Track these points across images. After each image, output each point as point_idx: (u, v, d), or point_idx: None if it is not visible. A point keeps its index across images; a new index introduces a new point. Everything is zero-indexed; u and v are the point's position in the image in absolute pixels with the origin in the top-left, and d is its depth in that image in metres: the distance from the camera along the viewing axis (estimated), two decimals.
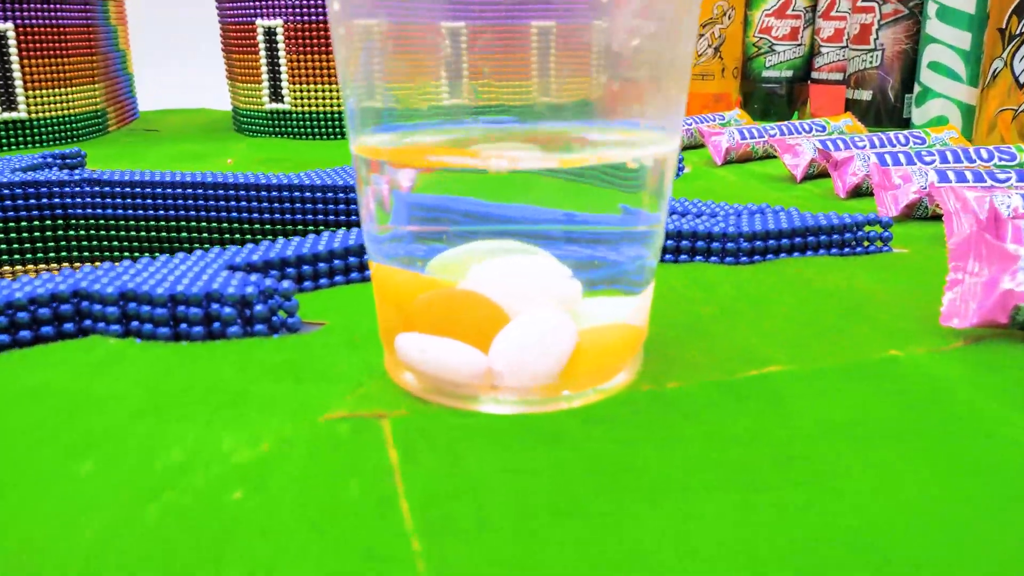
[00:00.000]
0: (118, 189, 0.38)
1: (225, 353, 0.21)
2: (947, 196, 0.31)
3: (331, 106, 0.59)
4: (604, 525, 0.14)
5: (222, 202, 0.38)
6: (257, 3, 0.57)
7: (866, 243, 0.30)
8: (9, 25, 0.55)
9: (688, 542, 0.13)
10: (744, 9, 0.69)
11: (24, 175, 0.39)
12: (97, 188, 0.38)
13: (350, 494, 0.15)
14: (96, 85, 0.62)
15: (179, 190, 0.38)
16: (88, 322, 0.22)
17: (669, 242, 0.29)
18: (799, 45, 0.68)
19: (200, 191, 0.38)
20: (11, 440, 0.16)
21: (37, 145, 0.57)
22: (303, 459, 0.16)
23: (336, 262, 0.26)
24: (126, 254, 0.39)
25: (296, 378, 0.19)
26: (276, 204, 0.37)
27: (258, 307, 0.22)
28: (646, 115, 0.18)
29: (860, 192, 0.40)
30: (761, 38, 0.68)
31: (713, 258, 0.29)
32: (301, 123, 0.59)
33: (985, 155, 0.42)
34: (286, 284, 0.22)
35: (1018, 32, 0.49)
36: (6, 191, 0.38)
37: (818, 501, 0.14)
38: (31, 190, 0.38)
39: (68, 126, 0.59)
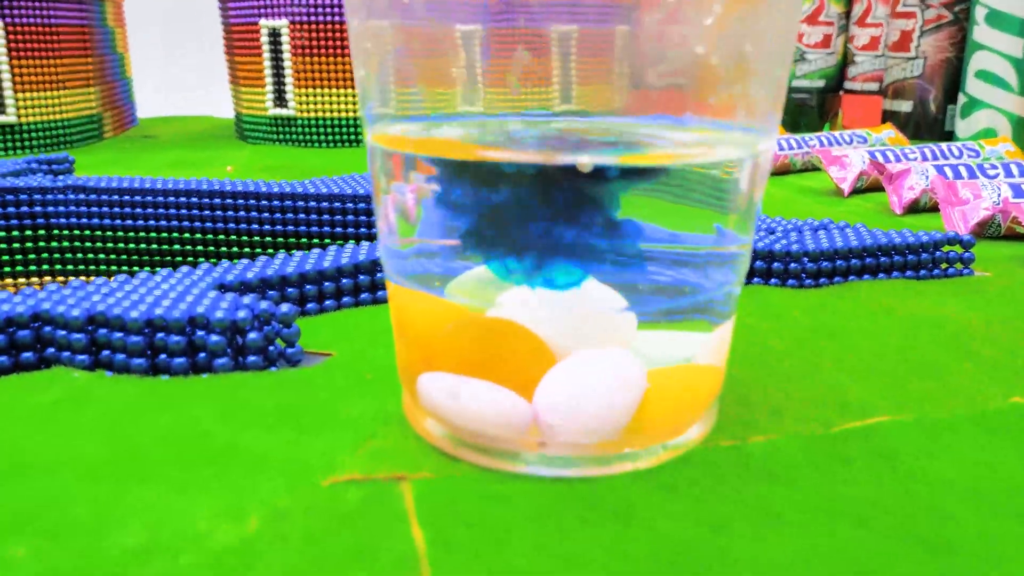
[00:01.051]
0: (105, 197, 0.35)
1: (210, 392, 0.17)
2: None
3: (338, 112, 0.55)
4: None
5: (218, 212, 0.34)
6: (261, 2, 0.54)
7: (944, 265, 0.26)
8: None
9: None
10: None
11: (3, 180, 0.35)
12: (82, 196, 0.35)
13: None
14: (91, 89, 0.59)
15: (171, 198, 0.34)
16: (51, 350, 0.19)
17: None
18: (831, 53, 0.64)
19: (194, 199, 0.34)
20: None
21: (27, 150, 0.54)
22: (300, 542, 0.12)
23: (344, 281, 0.23)
24: (114, 267, 0.35)
25: (295, 426, 0.16)
26: (278, 214, 0.34)
27: (251, 335, 0.18)
28: (730, 112, 0.14)
29: (918, 208, 0.37)
30: None
31: (773, 280, 0.25)
32: (306, 130, 0.56)
33: None
34: (285, 308, 0.19)
35: None
36: None
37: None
38: (10, 197, 0.35)
39: (61, 131, 0.56)
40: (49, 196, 0.35)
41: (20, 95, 0.53)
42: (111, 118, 0.63)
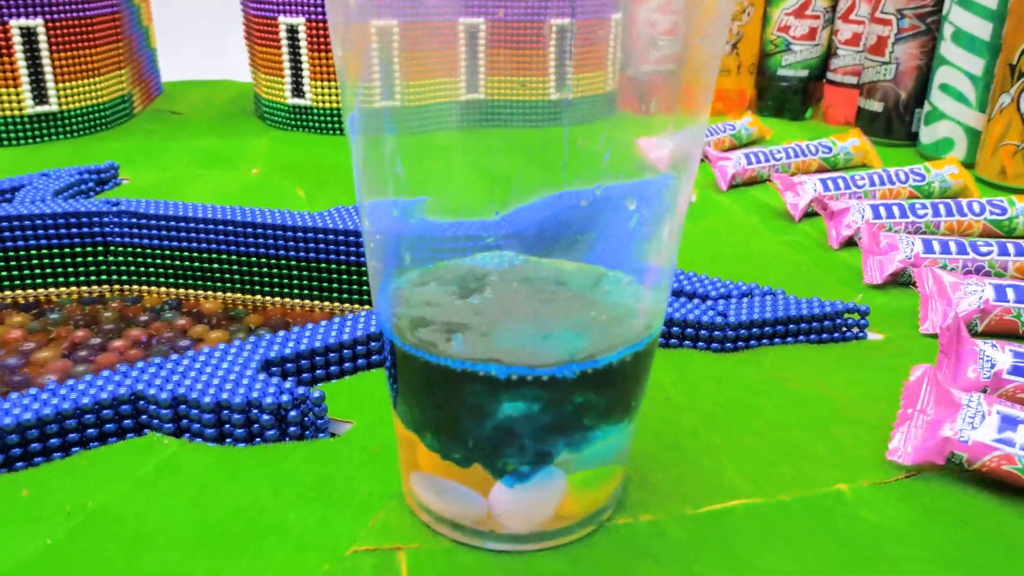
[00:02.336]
0: (152, 221, 0.41)
1: (263, 462, 0.24)
2: (926, 277, 0.34)
3: None
4: None
5: (250, 239, 0.40)
6: (280, 1, 0.58)
7: (844, 329, 0.33)
8: (39, 21, 0.56)
9: None
10: (764, 6, 0.69)
11: (67, 205, 0.41)
12: (133, 219, 0.41)
13: None
14: (123, 70, 0.64)
15: (209, 225, 0.40)
16: (145, 417, 0.26)
17: (667, 327, 0.31)
18: (816, 45, 0.68)
19: (230, 228, 0.40)
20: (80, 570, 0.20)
21: (68, 136, 0.59)
22: None
23: (360, 348, 0.29)
24: (161, 279, 0.42)
25: (327, 501, 0.23)
26: (301, 244, 0.40)
27: (292, 413, 0.25)
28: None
29: (853, 242, 0.43)
30: (779, 36, 0.68)
31: (701, 343, 0.31)
32: (322, 119, 0.61)
33: (977, 208, 0.43)
34: (316, 393, 0.26)
35: None
36: (50, 220, 0.41)
37: None
38: (73, 220, 0.41)
39: (97, 115, 0.61)
40: (106, 219, 0.41)
41: (60, 85, 0.58)
42: (140, 92, 0.68)
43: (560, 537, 0.21)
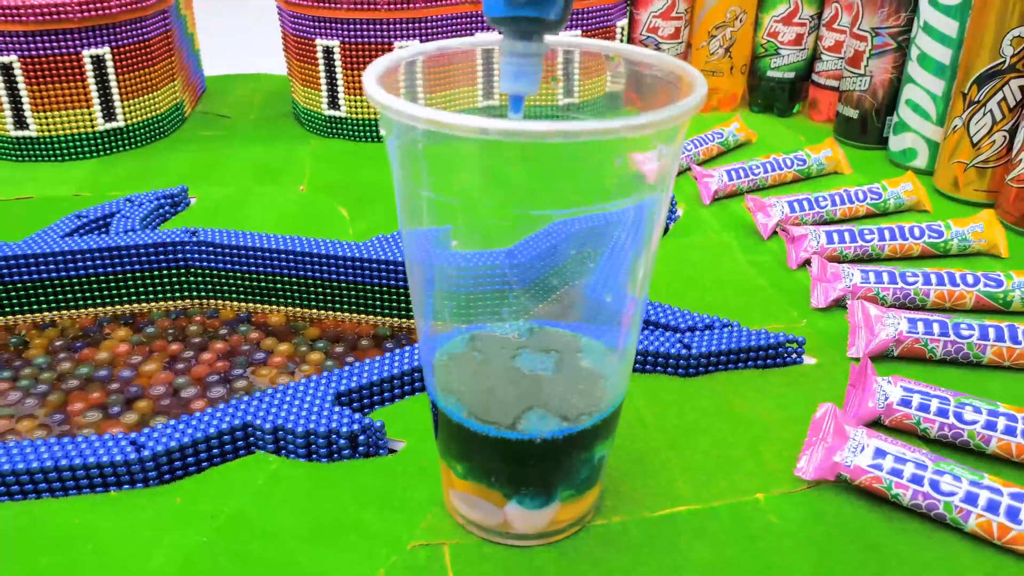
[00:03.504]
0: (224, 248, 0.50)
1: (343, 475, 0.33)
2: (856, 310, 0.42)
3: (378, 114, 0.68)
4: None
5: (305, 265, 0.49)
6: (317, 25, 0.65)
7: (785, 356, 0.41)
8: (107, 48, 0.64)
9: None
10: (756, 12, 0.75)
11: (155, 236, 0.50)
12: (209, 247, 0.50)
13: None
14: (175, 81, 0.71)
15: (272, 252, 0.49)
16: (253, 439, 0.35)
17: (644, 357, 0.40)
18: (803, 50, 0.74)
19: (289, 255, 0.49)
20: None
21: (133, 147, 0.67)
22: None
23: (406, 379, 0.38)
24: (233, 295, 0.51)
25: (391, 506, 0.32)
26: (348, 269, 0.48)
27: (360, 438, 0.34)
28: None
29: (809, 262, 0.51)
30: (768, 41, 0.74)
31: (672, 370, 0.40)
32: (355, 128, 0.69)
33: (917, 232, 0.51)
34: (378, 422, 0.35)
35: (976, 100, 0.57)
36: (143, 249, 0.49)
37: None
38: (161, 248, 0.50)
39: (156, 125, 0.69)
40: (188, 247, 0.50)
41: (125, 103, 0.66)
42: (189, 96, 0.76)
43: (554, 536, 0.31)
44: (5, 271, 0.48)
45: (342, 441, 0.34)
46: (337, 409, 0.35)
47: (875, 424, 0.37)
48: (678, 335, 0.41)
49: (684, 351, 0.40)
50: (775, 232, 0.55)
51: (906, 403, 0.36)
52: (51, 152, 0.65)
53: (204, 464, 0.34)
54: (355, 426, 0.34)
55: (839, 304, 0.46)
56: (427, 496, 0.33)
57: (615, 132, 0.21)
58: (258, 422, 0.35)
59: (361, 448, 0.35)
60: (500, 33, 0.25)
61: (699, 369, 0.40)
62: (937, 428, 0.35)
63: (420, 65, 0.29)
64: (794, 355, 0.41)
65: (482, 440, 0.28)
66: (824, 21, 0.73)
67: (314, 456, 0.35)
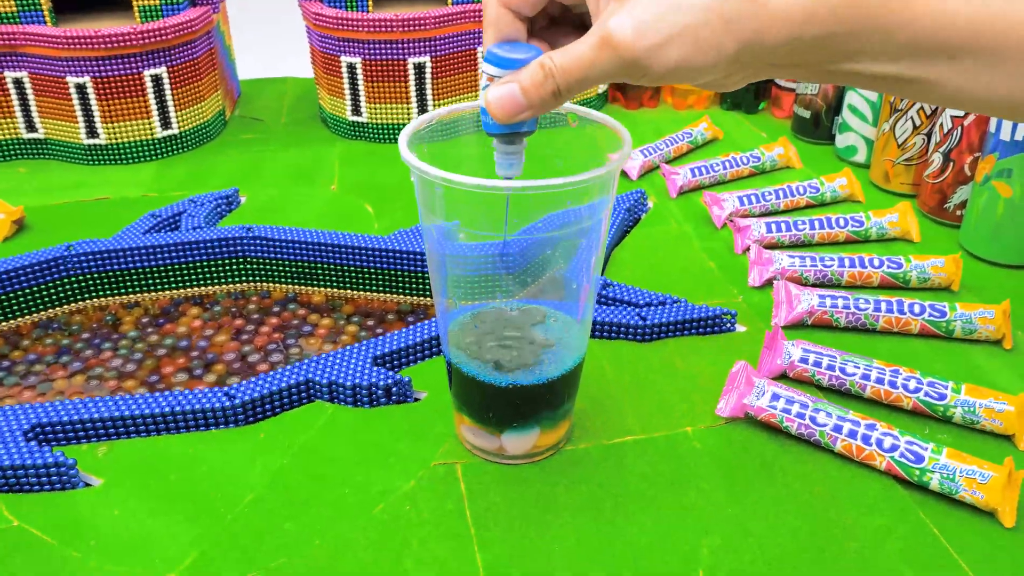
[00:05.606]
0: (273, 242, 0.61)
1: (381, 417, 0.45)
2: (780, 289, 0.54)
3: (397, 119, 0.79)
4: (546, 508, 0.39)
5: (341, 254, 0.60)
6: (342, 44, 0.76)
7: (721, 325, 0.53)
8: (163, 68, 0.75)
9: (553, 540, 0.38)
10: None
11: (218, 231, 0.61)
12: (260, 241, 0.61)
13: (447, 507, 0.40)
14: (218, 91, 0.82)
15: (314, 244, 0.60)
16: (314, 393, 0.47)
17: (608, 327, 0.52)
18: None
19: (328, 246, 0.60)
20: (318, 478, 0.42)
21: (185, 150, 0.79)
22: (429, 486, 0.41)
23: (426, 345, 0.50)
24: (282, 279, 0.62)
25: (417, 437, 0.44)
26: (376, 257, 0.60)
27: (394, 389, 0.46)
28: None
29: (749, 254, 0.62)
30: None
31: (631, 336, 0.52)
32: (376, 131, 0.80)
33: (843, 222, 0.62)
34: (406, 378, 0.47)
35: (900, 108, 0.68)
36: (206, 245, 0.61)
37: (621, 518, 0.39)
38: (223, 242, 0.61)
39: (204, 132, 0.80)
40: (245, 241, 0.61)
41: (179, 113, 0.77)
42: (228, 102, 0.87)
43: (536, 456, 0.43)
44: (99, 261, 0.60)
45: (379, 392, 0.46)
46: (375, 368, 0.47)
47: (782, 377, 0.48)
48: (637, 309, 0.53)
49: (640, 322, 0.51)
50: (727, 223, 0.66)
51: (804, 360, 0.47)
52: (118, 157, 0.76)
53: (278, 410, 0.46)
54: (389, 380, 0.46)
55: (770, 283, 0.58)
56: (444, 431, 0.44)
57: (560, 187, 0.32)
58: (316, 378, 0.46)
59: (394, 397, 0.46)
60: (494, 141, 0.35)
61: (652, 336, 0.52)
62: (827, 379, 0.47)
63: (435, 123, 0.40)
64: (728, 324, 0.53)
65: (483, 386, 0.39)
66: None
67: (359, 403, 0.46)
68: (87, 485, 0.41)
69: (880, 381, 0.46)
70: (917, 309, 0.52)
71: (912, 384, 0.45)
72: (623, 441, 0.44)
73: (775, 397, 0.44)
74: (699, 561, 0.37)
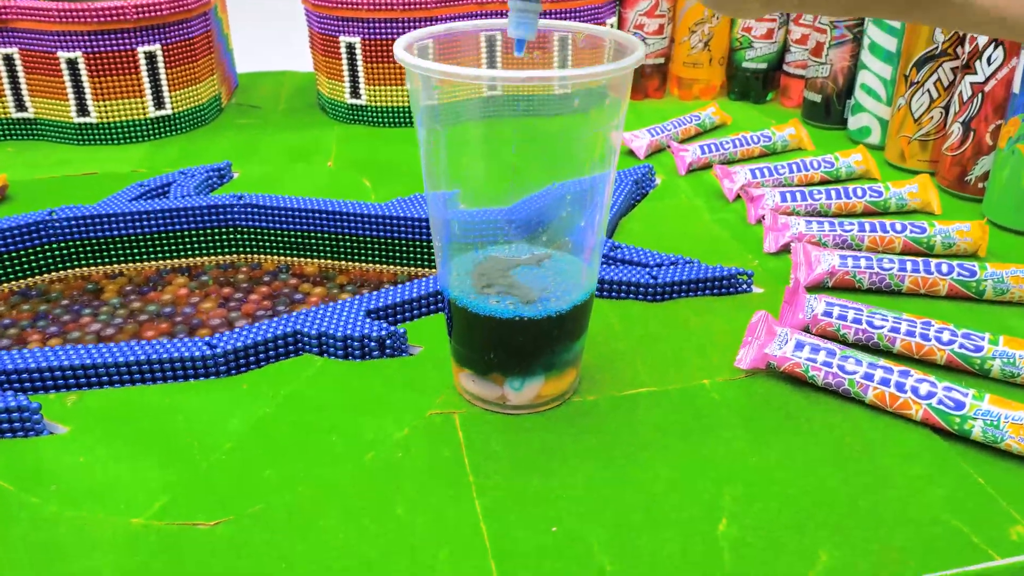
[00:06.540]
0: (266, 209, 0.58)
1: (374, 370, 0.42)
2: (798, 251, 0.51)
3: (396, 102, 0.77)
4: (551, 456, 0.35)
5: (336, 222, 0.58)
6: (341, 24, 0.74)
7: (738, 286, 0.50)
8: (157, 46, 0.73)
9: (567, 485, 0.35)
10: None
11: (208, 199, 0.59)
12: (251, 209, 0.58)
13: (444, 454, 0.36)
14: (215, 75, 0.80)
15: (307, 212, 0.58)
16: (302, 344, 0.44)
17: (617, 286, 0.48)
18: (774, 43, 0.83)
19: (321, 214, 0.58)
20: (301, 423, 0.38)
21: (179, 132, 0.76)
22: (424, 435, 0.37)
23: (423, 301, 0.47)
24: (273, 250, 0.59)
25: (412, 388, 0.41)
26: (371, 225, 0.57)
27: (388, 341, 0.43)
28: None
29: (764, 220, 0.59)
30: (743, 35, 0.83)
31: (640, 296, 0.49)
32: (374, 114, 0.78)
33: (860, 192, 0.60)
34: (402, 329, 0.43)
35: (916, 80, 0.65)
36: (198, 210, 0.58)
37: (634, 466, 0.36)
38: (213, 210, 0.58)
39: (199, 115, 0.78)
40: (235, 209, 0.59)
41: (173, 93, 0.75)
42: (225, 89, 0.85)
43: (541, 407, 0.39)
44: (81, 229, 0.57)
45: (372, 344, 0.43)
46: (369, 320, 0.44)
47: (803, 332, 0.45)
48: (647, 269, 0.50)
49: (651, 280, 0.48)
50: (738, 196, 0.63)
51: (828, 314, 0.44)
52: (109, 136, 0.74)
53: (263, 362, 0.43)
54: (383, 332, 0.43)
55: (787, 249, 0.55)
56: (441, 383, 0.41)
57: (571, 79, 0.30)
58: (305, 329, 0.43)
59: (388, 350, 0.43)
60: None
61: (664, 296, 0.49)
62: (853, 333, 0.44)
63: (432, 45, 0.37)
64: (744, 285, 0.50)
65: (485, 322, 0.36)
66: (792, 17, 0.81)
67: (351, 356, 0.43)
68: (51, 434, 0.38)
69: (911, 334, 0.42)
70: (945, 268, 0.49)
71: (946, 336, 0.42)
72: (635, 393, 0.41)
73: (799, 346, 0.41)
74: (721, 508, 0.34)
